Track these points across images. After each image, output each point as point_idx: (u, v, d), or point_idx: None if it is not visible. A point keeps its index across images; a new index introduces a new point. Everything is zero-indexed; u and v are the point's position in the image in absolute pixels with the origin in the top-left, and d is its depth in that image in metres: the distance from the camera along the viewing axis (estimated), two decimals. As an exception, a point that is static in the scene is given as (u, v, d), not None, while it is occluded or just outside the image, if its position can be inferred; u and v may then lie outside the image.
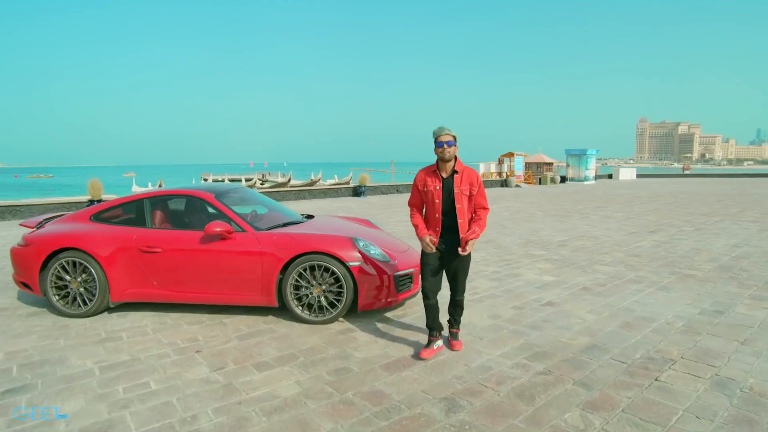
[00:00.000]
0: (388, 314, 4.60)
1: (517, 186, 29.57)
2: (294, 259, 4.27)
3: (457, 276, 3.64)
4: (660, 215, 12.78)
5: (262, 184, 39.50)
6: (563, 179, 35.37)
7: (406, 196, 20.55)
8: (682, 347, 3.74)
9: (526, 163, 35.94)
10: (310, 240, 4.32)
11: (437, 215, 3.54)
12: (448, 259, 3.60)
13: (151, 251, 4.51)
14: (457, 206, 3.51)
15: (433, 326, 3.69)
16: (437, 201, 3.52)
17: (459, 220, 3.51)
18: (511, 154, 33.11)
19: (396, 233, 9.74)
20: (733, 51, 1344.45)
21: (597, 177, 38.17)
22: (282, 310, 4.63)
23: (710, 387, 3.11)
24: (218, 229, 4.32)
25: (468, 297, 5.08)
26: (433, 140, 3.52)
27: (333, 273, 4.23)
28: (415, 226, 3.61)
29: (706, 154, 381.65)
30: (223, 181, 47.74)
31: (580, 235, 9.33)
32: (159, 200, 4.93)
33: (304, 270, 4.27)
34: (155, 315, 4.68)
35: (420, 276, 3.68)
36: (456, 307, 3.78)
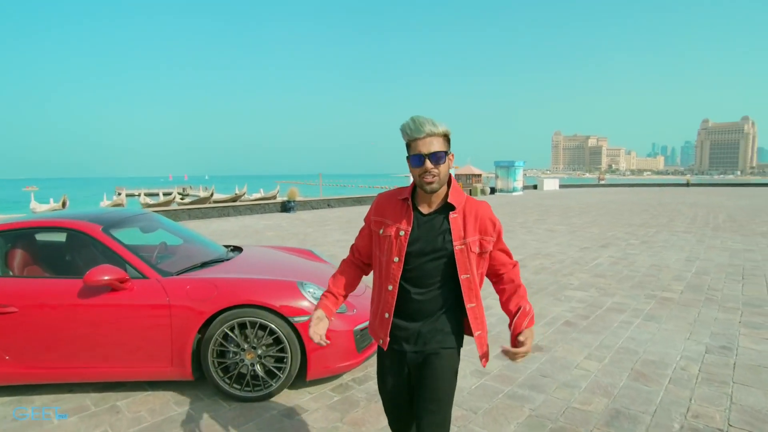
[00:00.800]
0: (347, 378, 3.53)
1: (449, 198, 29.43)
2: (218, 315, 3.10)
3: (425, 409, 1.79)
4: (601, 227, 12.73)
5: (182, 198, 36.55)
6: (493, 190, 36.00)
7: (339, 211, 19.48)
8: (719, 407, 3.03)
9: (455, 175, 36.22)
10: (239, 287, 3.16)
11: (390, 287, 1.79)
12: (418, 376, 1.84)
13: (3, 311, 3.13)
14: (462, 277, 1.77)
15: None
16: (396, 259, 1.77)
17: (468, 305, 1.80)
18: (441, 166, 33.11)
19: (336, 256, 8.66)
20: (633, 70, 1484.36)
21: (524, 188, 39.35)
22: (202, 384, 3.41)
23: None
24: (106, 277, 3.04)
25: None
26: (405, 147, 1.75)
27: (272, 332, 3.11)
28: (326, 291, 2.01)
29: (613, 165, 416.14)
30: (138, 195, 43.76)
31: (534, 253, 8.78)
32: (19, 235, 3.54)
33: (232, 329, 3.11)
34: (7, 403, 3.26)
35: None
36: None
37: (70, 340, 3.15)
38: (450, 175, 1.78)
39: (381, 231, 1.82)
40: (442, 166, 1.69)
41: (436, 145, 1.67)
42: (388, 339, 1.82)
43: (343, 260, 2.04)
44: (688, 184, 45.52)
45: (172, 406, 3.16)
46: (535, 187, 42.12)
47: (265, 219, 16.41)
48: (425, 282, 1.77)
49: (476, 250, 1.77)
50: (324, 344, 1.86)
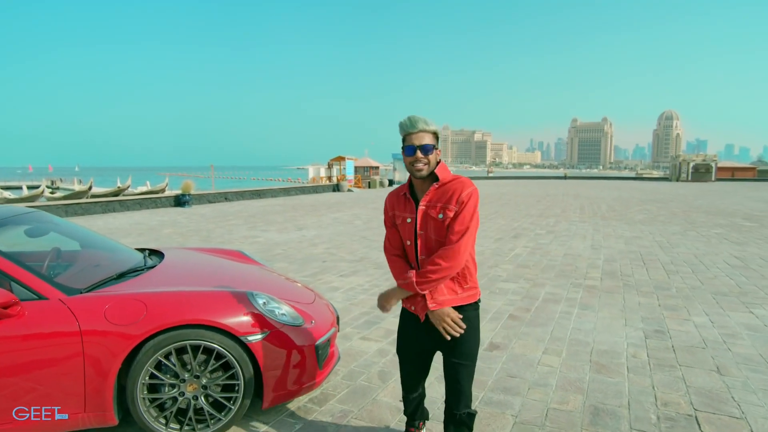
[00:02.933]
0: (304, 400, 3.07)
1: (349, 190, 29.24)
2: (148, 340, 2.48)
3: (459, 373, 2.13)
4: (505, 219, 13.34)
5: (52, 193, 31.78)
6: (391, 182, 36.54)
7: (238, 205, 18.33)
8: (679, 391, 3.11)
9: (354, 167, 36.15)
10: (175, 304, 2.56)
11: (411, 265, 2.16)
12: (436, 339, 2.13)
13: None
14: (421, 233, 2.08)
15: (415, 417, 2.46)
16: (408, 242, 2.14)
17: (423, 255, 2.10)
18: (341, 158, 32.78)
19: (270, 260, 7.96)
20: (515, 69, 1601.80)
21: (422, 180, 40.36)
22: (130, 428, 2.73)
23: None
24: (-15, 300, 2.28)
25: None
26: (401, 141, 2.09)
27: (219, 356, 2.57)
28: (396, 277, 2.15)
29: (496, 159, 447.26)
30: (-8, 190, 37.30)
31: (455, 245, 8.85)
32: None
33: (168, 356, 2.51)
34: None
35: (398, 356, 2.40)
36: (457, 426, 2.19)
37: (-68, 386, 2.33)
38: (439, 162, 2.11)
39: (394, 223, 2.23)
40: (430, 156, 2.04)
41: (426, 139, 2.04)
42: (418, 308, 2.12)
43: (389, 261, 2.26)
44: (565, 177, 50.35)
45: (88, 459, 2.48)
46: (432, 179, 43.50)
47: (158, 215, 14.84)
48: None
49: (437, 216, 2.05)
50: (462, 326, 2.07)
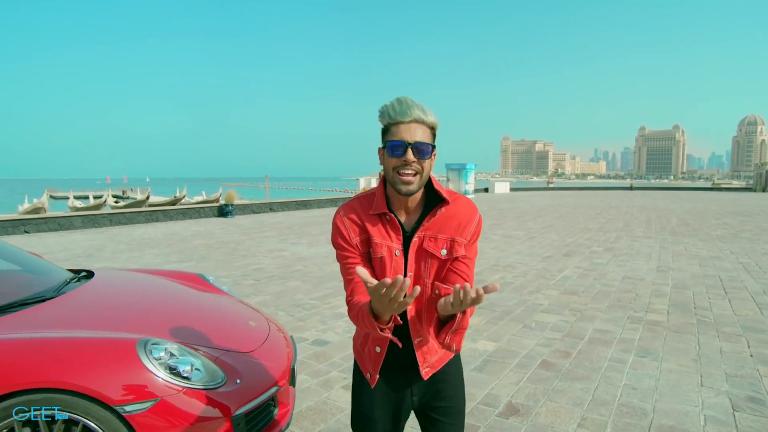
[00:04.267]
0: (230, 484, 2.27)
1: (400, 201, 28.40)
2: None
3: (447, 425, 1.51)
4: (559, 232, 12.01)
5: (116, 202, 33.43)
6: (443, 193, 35.37)
7: (281, 216, 17.99)
8: None
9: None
10: (25, 358, 1.84)
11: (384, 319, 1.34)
12: (428, 392, 1.50)
13: None
14: (412, 276, 1.41)
15: None
16: (390, 274, 1.40)
17: (409, 316, 1.41)
18: (394, 169, 32.16)
19: (265, 270, 7.32)
20: (577, 79, 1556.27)
21: (475, 191, 39.03)
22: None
23: None
24: None
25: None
26: (381, 132, 1.38)
27: (87, 430, 1.82)
28: (359, 321, 1.35)
29: (559, 169, 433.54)
30: (67, 199, 39.89)
31: (494, 264, 7.79)
32: None
33: (10, 432, 1.79)
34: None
35: None
36: None
37: None
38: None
39: (368, 251, 1.43)
40: (426, 161, 1.35)
41: (421, 134, 1.33)
42: (378, 376, 1.48)
43: (353, 308, 1.40)
44: (632, 188, 46.90)
45: None
46: (486, 190, 41.99)
47: (198, 225, 14.74)
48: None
49: (440, 254, 1.40)
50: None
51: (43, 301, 2.42)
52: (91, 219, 14.48)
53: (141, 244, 10.50)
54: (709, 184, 74.71)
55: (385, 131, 1.35)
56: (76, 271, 3.11)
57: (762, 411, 2.93)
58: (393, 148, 1.31)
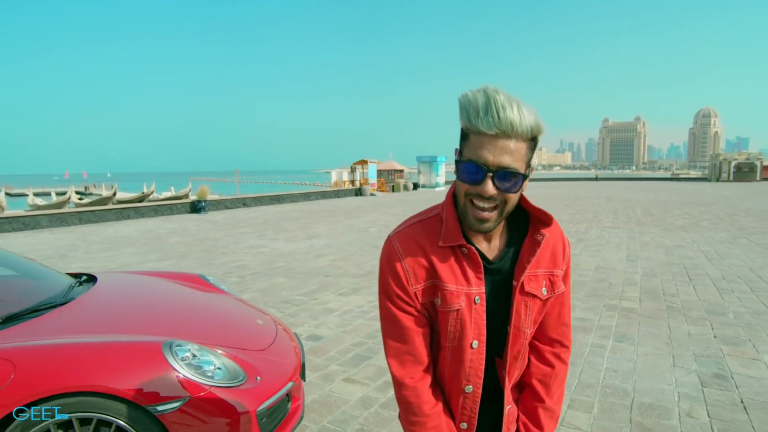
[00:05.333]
0: (249, 475, 2.38)
1: (372, 194, 28.54)
2: (16, 415, 1.82)
3: None
4: (532, 224, 12.40)
5: (80, 199, 32.30)
6: (415, 186, 35.70)
7: (255, 211, 17.85)
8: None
9: (378, 171, 35.46)
10: (57, 363, 1.91)
11: (472, 368, 1.08)
12: None
13: None
14: (512, 329, 1.09)
15: None
16: (470, 331, 1.06)
17: (505, 371, 1.12)
18: (364, 162, 32.19)
19: (248, 267, 7.35)
20: (543, 71, 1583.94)
21: (446, 183, 39.50)
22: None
23: None
24: None
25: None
26: (459, 137, 1.00)
27: (121, 430, 1.90)
28: None
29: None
30: (26, 195, 38.30)
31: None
32: None
33: (45, 434, 1.86)
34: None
35: None
36: None
37: None
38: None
39: (435, 302, 1.07)
40: (512, 194, 0.98)
41: (513, 156, 0.93)
42: None
43: (404, 390, 1.10)
44: (597, 178, 48.44)
45: None
46: (457, 182, 42.44)
47: (171, 222, 14.50)
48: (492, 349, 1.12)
49: (543, 295, 1.11)
50: None
51: (55, 307, 2.46)
52: (58, 217, 14.05)
53: (115, 243, 10.30)
54: (668, 174, 77.76)
55: (464, 137, 0.98)
56: (75, 275, 3.13)
57: (726, 386, 3.23)
58: (466, 170, 0.97)
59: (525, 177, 0.97)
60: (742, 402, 3.00)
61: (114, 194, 28.76)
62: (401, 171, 39.51)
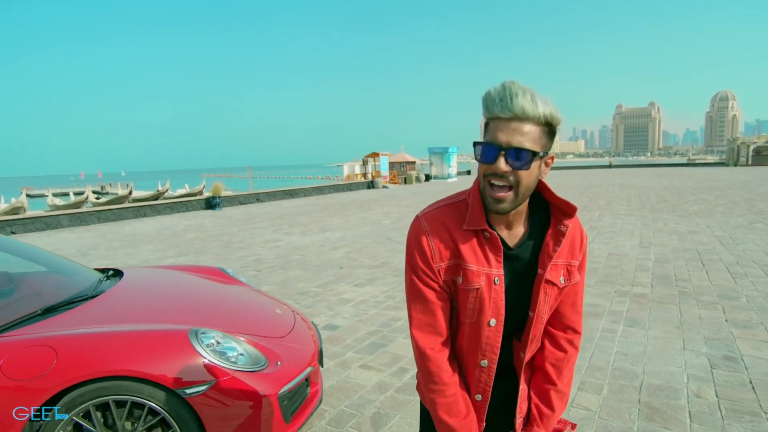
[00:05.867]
0: (273, 455, 2.52)
1: (384, 187, 28.62)
2: (59, 397, 1.97)
3: None
4: (544, 213, 12.39)
5: (97, 198, 32.99)
6: (427, 177, 35.68)
7: (269, 206, 18.06)
8: (764, 457, 2.35)
9: (390, 163, 35.51)
10: (94, 350, 2.05)
11: (489, 344, 1.18)
12: None
13: None
14: (536, 314, 1.18)
15: None
16: (489, 310, 1.15)
17: (523, 353, 1.22)
18: (375, 155, 32.27)
19: (264, 261, 7.51)
20: (555, 58, 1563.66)
21: (458, 174, 39.38)
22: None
23: None
24: None
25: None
26: (483, 130, 1.10)
27: (153, 412, 2.04)
28: (452, 416, 1.19)
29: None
30: (46, 196, 39.17)
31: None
32: None
33: (86, 416, 2.00)
34: None
35: None
36: None
37: None
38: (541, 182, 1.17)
39: (456, 279, 1.16)
40: (523, 172, 1.05)
41: (525, 137, 1.03)
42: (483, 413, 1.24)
43: (428, 360, 1.19)
44: (611, 166, 47.90)
45: None
46: (468, 172, 42.42)
47: (187, 218, 14.76)
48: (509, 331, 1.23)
49: (560, 282, 1.19)
50: None
51: (87, 299, 2.61)
52: (78, 217, 14.40)
53: (134, 240, 10.55)
54: (684, 160, 76.53)
55: (486, 126, 1.08)
56: (102, 270, 3.29)
57: (735, 367, 3.28)
58: (483, 151, 1.06)
59: (537, 156, 1.05)
60: (750, 382, 3.06)
61: (130, 193, 29.25)
62: (413, 163, 39.49)
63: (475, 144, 1.09)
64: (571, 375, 1.31)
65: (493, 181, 1.07)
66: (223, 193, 18.64)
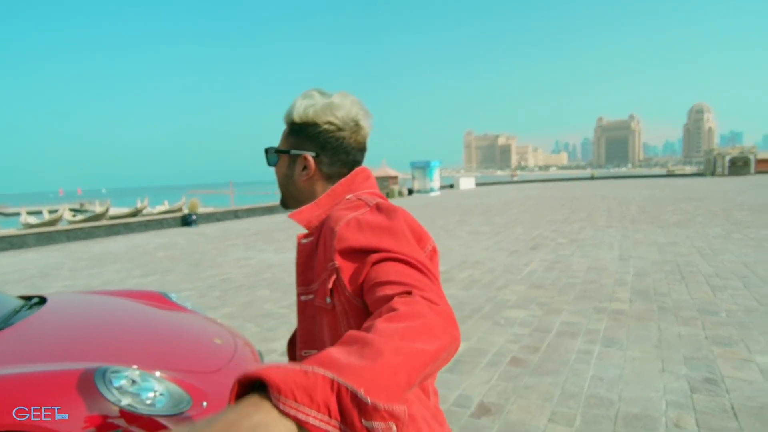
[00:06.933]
0: None
1: (368, 201, 28.34)
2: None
3: None
4: (525, 226, 12.25)
5: (74, 216, 32.13)
6: (410, 191, 35.58)
7: (247, 222, 17.67)
8: (749, 498, 2.11)
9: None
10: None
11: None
12: None
13: None
14: (301, 328, 1.04)
15: None
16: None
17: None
18: (358, 169, 32.10)
19: (232, 281, 7.17)
20: (536, 70, 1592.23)
21: (441, 188, 39.36)
22: None
23: None
24: None
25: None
26: None
27: (46, 471, 1.74)
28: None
29: (522, 162, 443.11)
30: (19, 215, 38.09)
31: (461, 262, 7.88)
32: None
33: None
34: None
35: None
36: None
37: None
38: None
39: None
40: (276, 169, 1.14)
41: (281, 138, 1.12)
42: None
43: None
44: (593, 177, 48.42)
45: None
46: (451, 186, 42.46)
47: (160, 236, 14.33)
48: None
49: (325, 300, 0.96)
50: None
51: (-7, 332, 2.29)
52: (46, 236, 13.86)
53: (101, 259, 10.13)
54: (664, 171, 77.89)
55: None
56: (27, 298, 2.96)
57: (716, 391, 3.07)
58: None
59: (289, 150, 1.07)
60: (732, 408, 2.84)
61: (107, 210, 28.57)
62: (395, 177, 39.39)
63: None
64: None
65: None
66: (201, 210, 18.25)
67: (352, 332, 0.61)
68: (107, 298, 3.12)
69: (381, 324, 0.62)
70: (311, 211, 1.06)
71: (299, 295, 1.04)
